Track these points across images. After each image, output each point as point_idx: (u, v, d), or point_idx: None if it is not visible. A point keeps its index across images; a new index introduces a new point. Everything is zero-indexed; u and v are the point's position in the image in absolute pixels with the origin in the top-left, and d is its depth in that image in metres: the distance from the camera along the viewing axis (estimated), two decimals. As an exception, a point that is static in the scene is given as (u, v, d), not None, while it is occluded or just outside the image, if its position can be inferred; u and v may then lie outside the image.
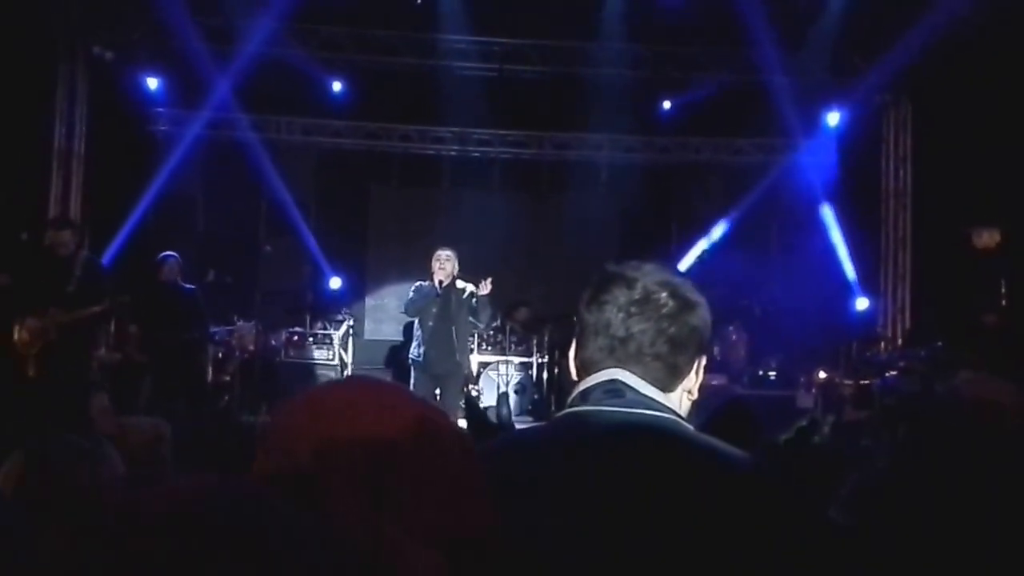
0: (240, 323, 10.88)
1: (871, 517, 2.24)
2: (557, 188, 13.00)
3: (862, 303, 12.07)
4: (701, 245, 12.58)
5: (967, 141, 9.92)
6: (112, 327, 11.01)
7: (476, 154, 12.83)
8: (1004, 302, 8.89)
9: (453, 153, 12.84)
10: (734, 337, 11.60)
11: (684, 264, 12.27)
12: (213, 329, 10.14)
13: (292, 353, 11.16)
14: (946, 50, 10.88)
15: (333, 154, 12.77)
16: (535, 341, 11.34)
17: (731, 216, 12.57)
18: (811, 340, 11.52)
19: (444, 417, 1.02)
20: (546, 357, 11.25)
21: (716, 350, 11.25)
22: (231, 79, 11.64)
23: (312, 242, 12.48)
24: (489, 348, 11.31)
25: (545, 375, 11.22)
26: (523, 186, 13.01)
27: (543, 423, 2.02)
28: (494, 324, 10.94)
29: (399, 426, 0.96)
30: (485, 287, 7.88)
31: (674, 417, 1.43)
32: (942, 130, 10.82)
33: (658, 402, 1.42)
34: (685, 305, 1.45)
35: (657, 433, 1.39)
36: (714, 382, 10.41)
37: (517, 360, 11.26)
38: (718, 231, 12.62)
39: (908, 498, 2.21)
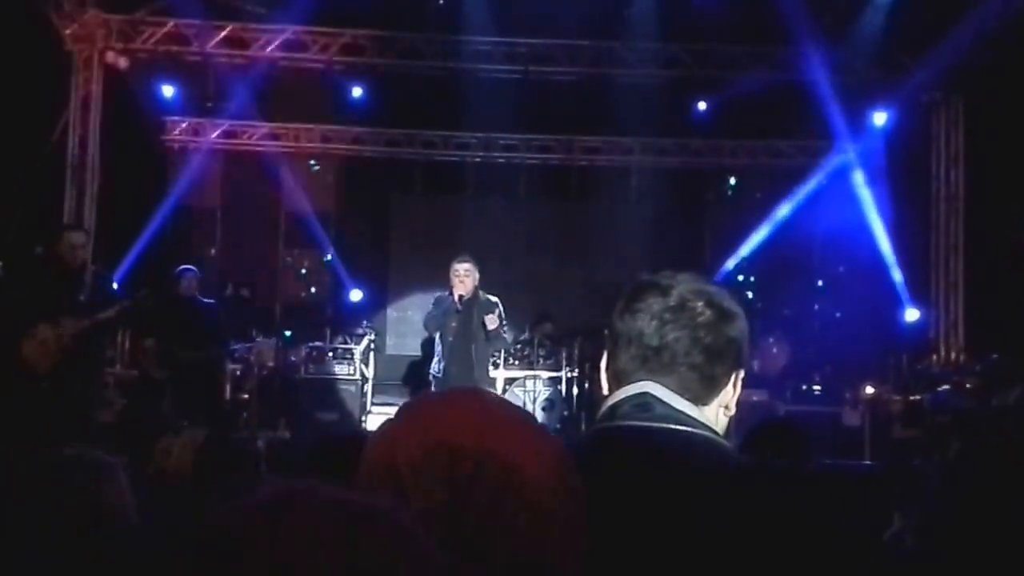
0: (259, 338, 10.60)
1: (931, 541, 2.22)
2: (586, 194, 12.61)
3: (912, 314, 11.53)
4: (739, 253, 12.08)
5: (1022, 140, 9.47)
6: (128, 343, 10.81)
7: (501, 160, 12.47)
8: None
9: (478, 159, 12.49)
10: (775, 350, 11.10)
11: (721, 271, 11.81)
12: (232, 345, 9.82)
13: (312, 368, 10.81)
14: (999, 44, 10.47)
15: (354, 162, 12.46)
16: (564, 355, 10.90)
17: (770, 222, 12.04)
18: (858, 353, 11.09)
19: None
20: (576, 371, 10.79)
21: (756, 363, 10.77)
22: (248, 87, 11.43)
23: (333, 253, 12.16)
24: (516, 363, 10.87)
25: (575, 390, 10.77)
26: (551, 192, 12.64)
27: (570, 439, 1.89)
28: (522, 337, 10.61)
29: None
30: (492, 322, 7.51)
31: (707, 433, 1.36)
32: (996, 129, 10.41)
33: (691, 417, 1.36)
34: (722, 315, 1.40)
35: (687, 450, 1.33)
36: (754, 397, 9.97)
37: (545, 375, 10.80)
38: (757, 238, 12.09)
39: (966, 519, 2.11)
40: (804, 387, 10.85)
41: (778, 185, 12.16)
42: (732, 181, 12.60)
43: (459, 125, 12.14)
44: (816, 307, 11.27)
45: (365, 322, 11.42)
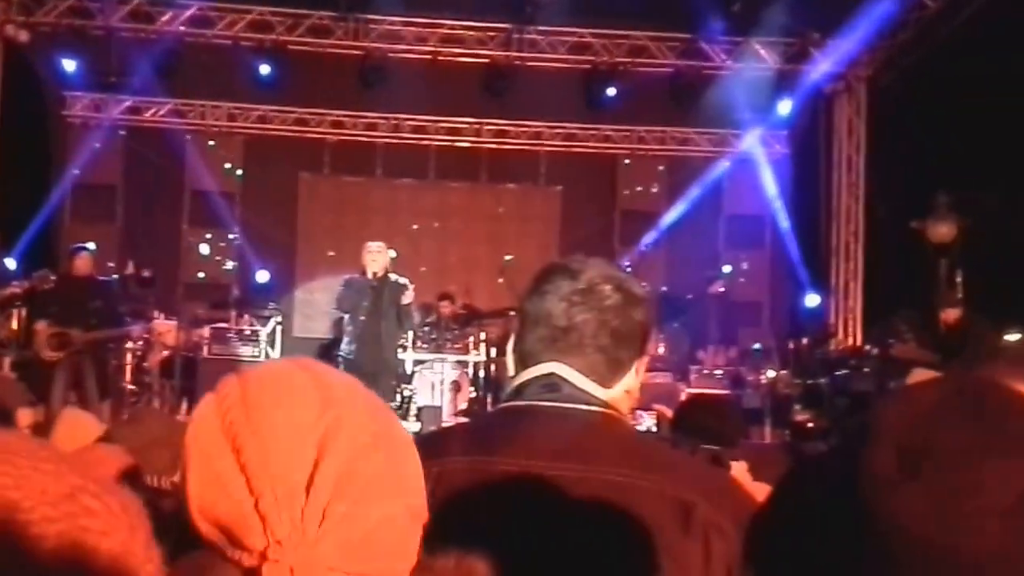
0: (160, 319, 10.39)
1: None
2: (496, 177, 12.60)
3: (812, 299, 11.76)
4: (646, 238, 12.20)
5: (924, 130, 9.70)
6: (22, 324, 10.51)
7: (411, 141, 12.36)
8: (961, 297, 8.72)
9: (387, 140, 12.36)
10: (679, 334, 11.24)
11: (628, 258, 11.90)
12: (132, 325, 9.60)
13: (216, 350, 10.63)
14: (903, 35, 10.69)
15: (261, 140, 12.27)
16: (472, 339, 10.89)
17: (678, 208, 12.18)
18: (760, 337, 11.26)
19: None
20: (484, 355, 10.79)
21: (661, 347, 10.90)
22: (153, 62, 11.19)
23: (239, 233, 11.98)
24: (424, 346, 10.83)
25: (482, 373, 10.77)
26: (461, 175, 12.60)
27: (475, 419, 1.86)
28: (429, 319, 10.58)
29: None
30: (408, 296, 7.48)
31: (612, 413, 1.38)
32: (898, 119, 10.59)
33: (596, 397, 1.37)
34: (629, 299, 1.41)
35: (595, 430, 1.34)
36: (657, 380, 10.08)
37: (453, 358, 10.78)
38: (664, 223, 12.23)
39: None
40: (707, 371, 11.02)
41: (686, 171, 12.30)
42: (641, 167, 12.69)
43: (368, 106, 12.02)
44: (717, 291, 11.41)
45: (271, 303, 11.28)
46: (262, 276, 11.82)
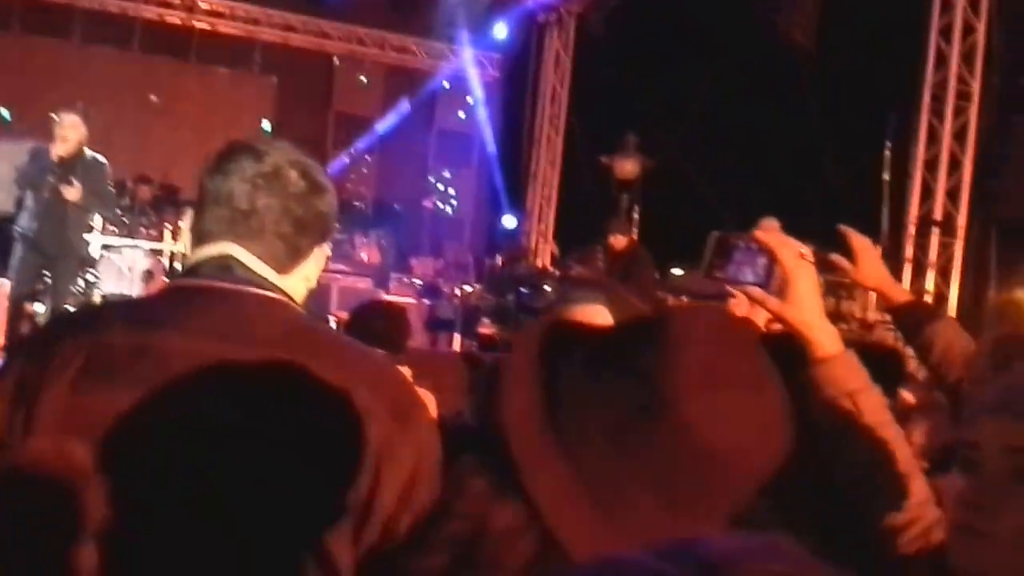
0: None
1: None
2: (206, 59, 12.00)
3: (510, 220, 12.40)
4: (359, 143, 12.22)
5: (621, 71, 10.32)
6: None
7: (114, 9, 11.43)
8: (632, 228, 9.46)
9: (86, 4, 11.33)
10: (383, 242, 11.47)
11: (341, 158, 11.89)
12: None
13: None
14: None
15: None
16: (170, 226, 10.39)
17: (392, 116, 12.28)
18: (460, 252, 11.70)
19: None
20: (181, 245, 10.36)
21: (364, 254, 11.06)
22: None
23: None
24: (115, 229, 10.17)
25: (178, 265, 10.34)
26: (168, 52, 11.85)
27: (147, 295, 1.77)
28: (122, 202, 9.98)
29: None
30: (71, 193, 6.98)
31: (284, 299, 1.38)
32: (600, 57, 11.20)
33: (271, 282, 1.36)
34: (314, 187, 1.39)
35: (264, 313, 1.34)
36: (359, 285, 10.26)
37: (147, 245, 10.25)
38: (378, 131, 12.30)
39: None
40: (407, 279, 11.36)
41: (403, 80, 12.40)
42: (359, 70, 12.57)
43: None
44: (426, 204, 11.74)
45: (-65, 169, 10.06)
46: (-78, 136, 10.49)
